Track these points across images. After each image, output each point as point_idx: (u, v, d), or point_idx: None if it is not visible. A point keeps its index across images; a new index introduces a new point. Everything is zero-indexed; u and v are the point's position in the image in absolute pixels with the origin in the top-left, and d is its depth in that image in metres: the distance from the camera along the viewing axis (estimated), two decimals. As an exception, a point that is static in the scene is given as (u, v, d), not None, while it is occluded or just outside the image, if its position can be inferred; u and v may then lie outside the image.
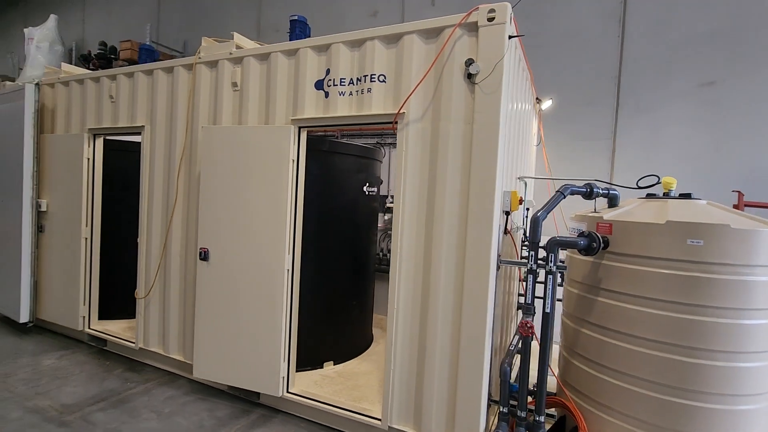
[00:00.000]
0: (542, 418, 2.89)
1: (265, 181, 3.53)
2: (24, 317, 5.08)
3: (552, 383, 3.59)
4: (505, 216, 3.17)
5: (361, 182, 4.49)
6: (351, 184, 4.43)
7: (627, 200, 3.30)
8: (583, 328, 3.07)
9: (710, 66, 5.07)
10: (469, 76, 2.87)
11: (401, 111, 3.08)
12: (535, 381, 2.92)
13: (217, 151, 3.71)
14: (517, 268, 4.08)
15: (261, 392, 3.69)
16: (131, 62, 8.27)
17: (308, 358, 4.21)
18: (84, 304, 4.84)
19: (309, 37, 4.22)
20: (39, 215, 5.15)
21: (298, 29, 4.64)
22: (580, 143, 5.72)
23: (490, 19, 2.79)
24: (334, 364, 4.39)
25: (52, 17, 10.44)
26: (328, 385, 3.92)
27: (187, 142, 4.10)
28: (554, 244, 2.83)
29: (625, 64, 5.51)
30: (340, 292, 4.50)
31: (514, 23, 2.97)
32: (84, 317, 4.85)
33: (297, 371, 4.03)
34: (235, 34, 3.87)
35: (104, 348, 4.83)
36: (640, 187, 3.41)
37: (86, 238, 4.81)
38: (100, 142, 4.86)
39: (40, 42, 10.29)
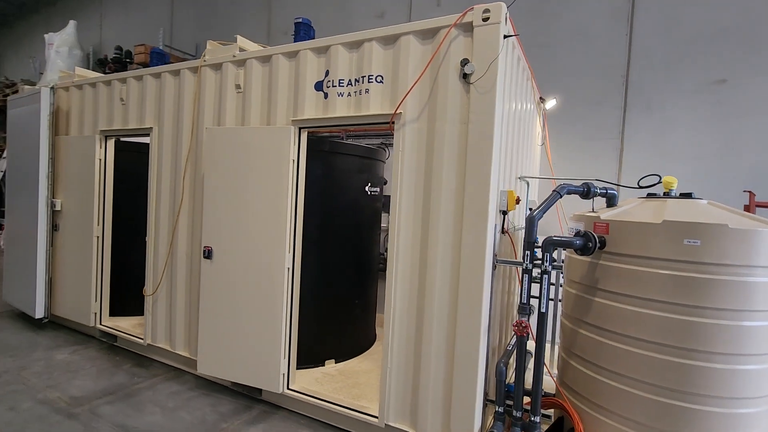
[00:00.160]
0: (538, 419, 2.87)
1: (265, 181, 3.60)
2: (39, 313, 5.26)
3: (551, 384, 3.57)
4: (503, 216, 3.17)
5: (363, 182, 4.52)
6: (353, 184, 4.48)
7: (627, 200, 3.26)
8: (581, 329, 3.04)
9: (721, 63, 4.97)
10: (465, 76, 2.88)
11: (398, 111, 3.10)
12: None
13: (219, 152, 3.79)
14: (517, 268, 4.06)
15: (262, 389, 3.75)
16: (145, 66, 8.48)
17: (310, 356, 4.26)
18: (95, 301, 4.99)
19: (313, 39, 4.28)
20: (54, 214, 5.33)
21: (303, 31, 4.72)
22: (587, 143, 5.66)
23: (485, 19, 2.80)
24: (336, 363, 4.43)
25: (71, 23, 10.79)
26: (328, 383, 3.96)
27: (192, 143, 4.20)
28: (550, 244, 2.82)
29: (633, 63, 5.43)
30: (342, 291, 4.55)
31: (511, 23, 2.98)
32: (95, 313, 5.00)
33: (299, 369, 4.08)
34: (239, 37, 3.95)
35: (115, 344, 4.96)
36: (641, 187, 3.38)
37: (98, 237, 4.96)
38: (111, 143, 5.01)
39: (60, 47, 10.64)
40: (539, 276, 2.85)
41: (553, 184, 5.53)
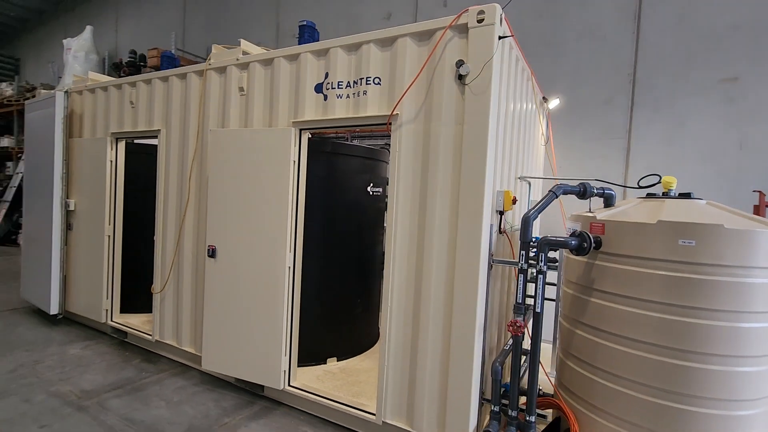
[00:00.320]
0: (533, 418, 2.88)
1: (267, 181, 3.67)
2: (54, 309, 5.45)
3: (549, 384, 3.57)
4: (499, 216, 3.18)
5: (365, 183, 4.57)
6: (355, 184, 4.53)
7: (624, 200, 3.24)
8: (577, 329, 3.04)
9: (732, 61, 4.88)
10: (460, 78, 2.90)
11: (394, 112, 3.14)
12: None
13: (223, 153, 3.88)
14: (514, 268, 4.06)
15: (264, 385, 3.83)
16: (157, 69, 8.68)
17: (312, 353, 4.33)
18: (107, 298, 5.14)
19: (318, 41, 4.34)
20: (68, 214, 5.50)
21: (307, 34, 4.76)
22: (594, 143, 5.61)
23: (480, 21, 2.82)
24: (338, 361, 4.49)
25: (88, 28, 11.09)
26: (329, 380, 4.02)
27: (198, 145, 4.30)
28: (545, 244, 2.83)
29: (641, 61, 5.36)
30: (344, 290, 4.61)
31: (507, 24, 2.99)
32: (107, 310, 5.16)
33: (301, 366, 4.15)
34: (242, 41, 4.03)
35: (125, 340, 5.11)
36: (641, 187, 3.35)
37: (109, 236, 5.11)
38: (122, 145, 5.15)
39: (77, 52, 10.95)
40: (535, 276, 2.86)
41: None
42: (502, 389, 3.05)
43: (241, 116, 4.02)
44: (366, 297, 4.79)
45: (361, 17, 7.45)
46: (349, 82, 3.40)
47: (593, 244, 2.78)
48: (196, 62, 9.18)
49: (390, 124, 3.18)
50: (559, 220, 5.21)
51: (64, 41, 11.09)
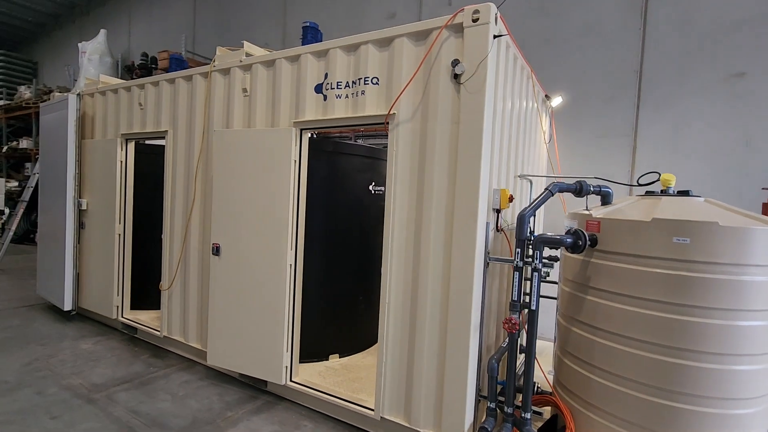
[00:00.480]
0: (528, 415, 2.90)
1: (269, 180, 3.74)
2: (67, 306, 5.62)
3: (547, 382, 3.57)
4: (496, 214, 3.20)
5: (367, 181, 4.62)
6: (357, 183, 4.58)
7: (623, 198, 3.23)
8: (574, 327, 3.04)
9: (740, 56, 4.80)
10: (456, 77, 2.93)
11: (391, 112, 3.18)
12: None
13: (226, 153, 3.97)
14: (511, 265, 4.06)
15: (266, 380, 3.91)
16: (167, 71, 8.85)
17: (315, 350, 4.40)
18: (117, 295, 5.29)
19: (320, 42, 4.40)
20: (80, 213, 5.67)
21: (310, 35, 4.83)
22: (599, 141, 5.56)
23: (475, 20, 2.84)
24: (340, 357, 4.55)
25: (102, 32, 11.34)
26: (331, 377, 4.08)
27: (203, 145, 4.40)
28: (540, 242, 2.84)
29: (647, 57, 5.31)
30: (347, 287, 4.67)
31: (503, 22, 3.00)
32: (117, 307, 5.30)
33: (304, 363, 4.23)
34: (245, 43, 4.11)
35: (135, 335, 5.25)
36: (640, 185, 3.34)
37: (119, 234, 5.25)
38: (131, 146, 5.29)
39: (92, 55, 11.20)
40: (531, 273, 2.87)
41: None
42: (499, 386, 3.07)
43: (245, 117, 4.10)
44: (368, 294, 4.84)
45: (366, 17, 7.49)
46: (348, 82, 3.45)
47: (588, 242, 2.79)
48: (205, 64, 9.33)
49: (387, 123, 3.22)
50: (562, 218, 5.19)
51: (80, 45, 11.35)
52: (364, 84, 3.35)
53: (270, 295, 3.77)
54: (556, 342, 3.43)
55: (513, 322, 2.84)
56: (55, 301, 5.80)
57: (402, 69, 3.17)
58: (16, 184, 12.91)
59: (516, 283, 2.90)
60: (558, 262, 3.52)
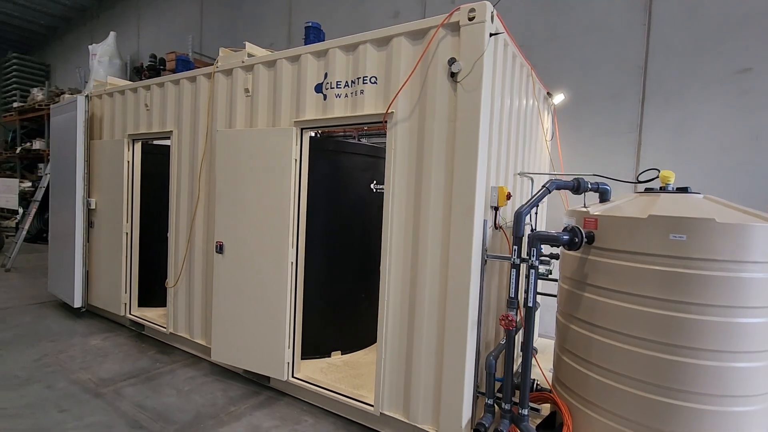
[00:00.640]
0: (526, 411, 2.91)
1: (270, 179, 3.80)
2: (77, 303, 5.75)
3: (547, 379, 3.58)
4: (494, 211, 3.21)
5: (368, 180, 4.65)
6: (359, 182, 4.61)
7: (622, 194, 3.22)
8: (572, 324, 3.05)
9: (746, 51, 4.74)
10: (452, 75, 2.95)
11: (389, 111, 3.21)
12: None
13: (229, 153, 4.03)
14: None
15: (269, 376, 3.97)
16: (174, 72, 8.96)
17: (317, 347, 4.45)
18: (125, 292, 5.40)
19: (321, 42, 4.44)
20: (89, 213, 5.79)
21: (312, 35, 4.86)
22: (603, 138, 5.52)
23: (471, 19, 2.85)
24: (342, 354, 4.60)
25: (112, 34, 11.52)
26: (332, 373, 4.13)
27: (207, 145, 4.47)
28: (536, 239, 2.85)
29: (652, 53, 5.26)
30: (349, 285, 4.71)
31: (500, 21, 3.01)
32: (125, 304, 5.41)
33: (307, 359, 4.28)
34: (247, 44, 4.17)
35: (142, 332, 5.35)
36: (640, 182, 3.32)
37: (127, 233, 5.36)
38: (138, 146, 5.39)
39: (102, 57, 11.39)
40: (528, 271, 2.88)
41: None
42: (499, 383, 3.09)
43: (247, 117, 4.15)
44: (370, 292, 4.87)
45: (370, 16, 7.52)
46: (347, 81, 3.49)
47: (584, 239, 2.79)
48: (211, 65, 9.45)
49: (385, 122, 3.25)
50: (561, 216, 5.18)
51: (90, 47, 11.55)
52: (363, 83, 3.38)
53: (272, 292, 3.82)
54: (555, 339, 3.43)
55: (510, 318, 2.86)
56: (66, 298, 5.93)
57: (400, 68, 3.20)
58: (30, 184, 13.19)
59: (513, 281, 2.91)
60: (550, 260, 3.51)
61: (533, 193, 3.02)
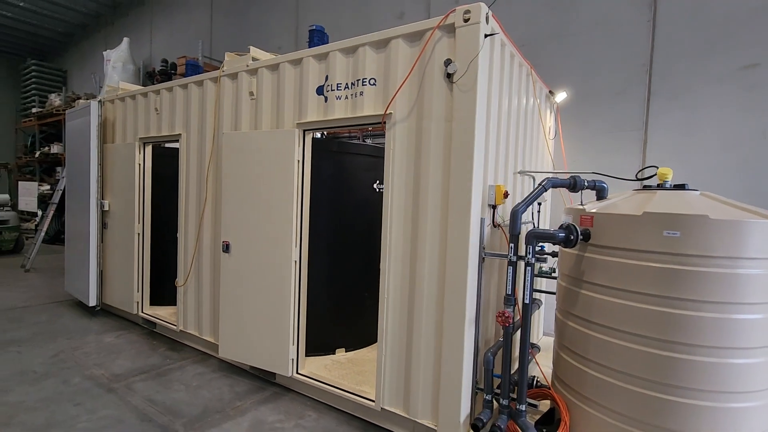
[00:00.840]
0: (523, 407, 2.94)
1: (274, 180, 3.89)
2: (92, 301, 5.93)
3: (547, 375, 3.60)
4: (492, 209, 3.25)
5: (371, 180, 4.72)
6: (362, 182, 4.69)
7: (619, 192, 3.23)
8: (570, 321, 3.07)
9: (753, 47, 4.68)
10: (448, 76, 3.00)
11: (388, 111, 3.27)
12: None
13: (234, 154, 4.14)
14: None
15: (274, 372, 4.06)
16: (185, 76, 9.16)
17: (322, 344, 4.53)
18: (137, 291, 5.56)
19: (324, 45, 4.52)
20: (103, 214, 5.98)
21: (316, 38, 4.96)
22: (608, 135, 5.50)
23: (466, 20, 2.90)
24: (346, 351, 4.67)
25: (125, 40, 11.81)
26: (336, 370, 4.21)
27: (214, 147, 4.59)
28: (532, 237, 2.88)
29: (657, 50, 5.22)
30: (353, 283, 4.78)
31: (496, 21, 3.05)
32: (137, 302, 5.57)
33: (311, 356, 4.36)
34: (251, 48, 4.27)
35: (154, 330, 5.50)
36: (638, 179, 3.33)
37: (138, 234, 5.52)
38: (149, 149, 5.54)
39: (116, 62, 11.68)
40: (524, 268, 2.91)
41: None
42: (498, 379, 3.12)
43: (252, 119, 4.26)
44: (374, 290, 4.91)
45: (375, 18, 7.59)
46: (347, 83, 3.56)
47: (580, 237, 2.81)
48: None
49: (384, 123, 3.31)
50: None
51: (104, 53, 11.86)
52: (363, 85, 3.45)
53: (276, 290, 3.92)
54: (554, 337, 3.45)
55: (506, 315, 2.89)
56: (81, 297, 6.13)
57: (398, 70, 3.26)
58: (48, 187, 13.59)
59: (510, 278, 2.95)
60: (545, 257, 3.53)
61: (530, 191, 3.04)
